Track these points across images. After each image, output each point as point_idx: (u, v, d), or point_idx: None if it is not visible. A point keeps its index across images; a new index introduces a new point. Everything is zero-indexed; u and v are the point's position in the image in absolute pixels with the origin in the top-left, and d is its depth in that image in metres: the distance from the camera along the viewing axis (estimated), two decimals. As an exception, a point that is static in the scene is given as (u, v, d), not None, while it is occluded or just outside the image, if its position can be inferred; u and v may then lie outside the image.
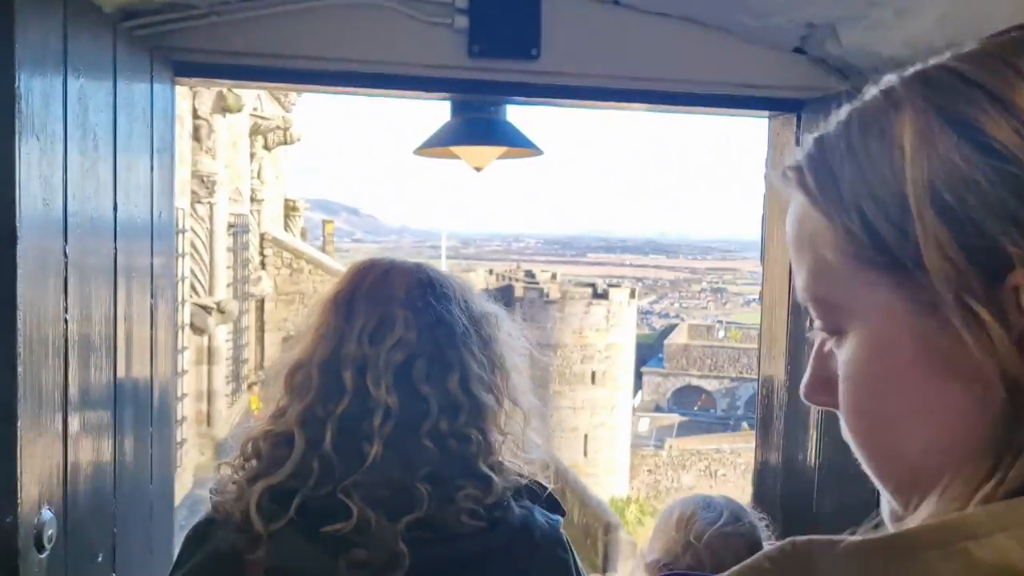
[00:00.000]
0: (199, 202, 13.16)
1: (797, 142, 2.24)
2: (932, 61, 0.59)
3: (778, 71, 2.27)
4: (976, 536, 0.49)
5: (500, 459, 1.38)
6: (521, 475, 1.40)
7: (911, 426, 0.59)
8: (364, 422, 1.31)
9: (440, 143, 2.87)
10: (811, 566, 0.53)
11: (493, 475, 1.32)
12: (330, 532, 1.26)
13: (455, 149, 3.11)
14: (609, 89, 2.29)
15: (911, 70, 0.60)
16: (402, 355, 1.33)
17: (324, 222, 33.31)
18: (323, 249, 29.45)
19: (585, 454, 29.32)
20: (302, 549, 1.27)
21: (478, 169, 3.45)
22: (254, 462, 1.36)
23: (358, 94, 2.33)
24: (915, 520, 0.57)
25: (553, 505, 1.44)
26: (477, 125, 2.76)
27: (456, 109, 2.75)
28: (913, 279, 0.56)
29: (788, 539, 0.55)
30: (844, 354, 0.62)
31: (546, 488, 1.44)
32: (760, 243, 2.60)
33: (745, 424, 43.67)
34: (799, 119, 2.24)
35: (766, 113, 2.41)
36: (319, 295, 1.47)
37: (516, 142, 2.90)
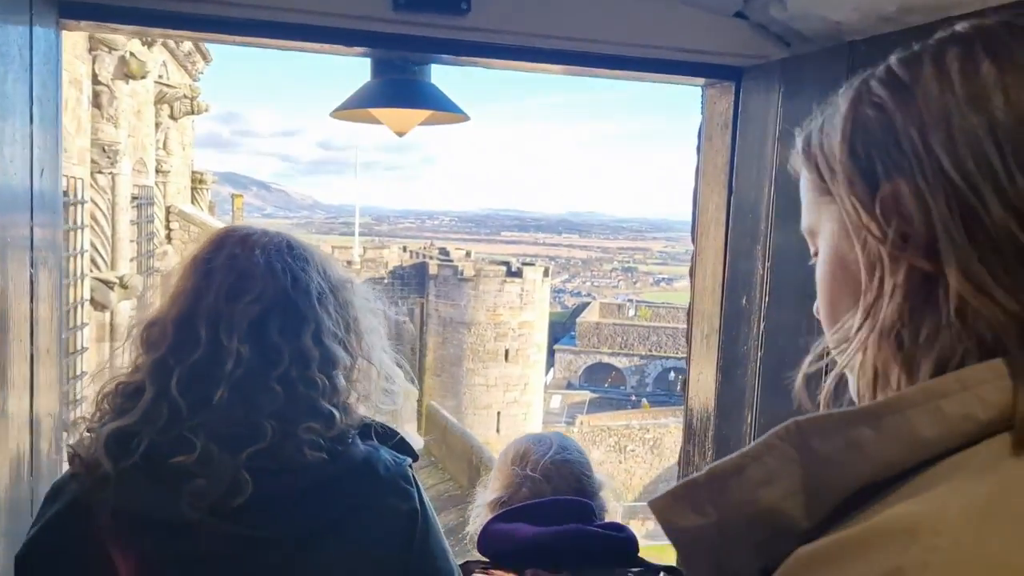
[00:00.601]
0: (100, 172, 12.53)
1: (735, 112, 2.18)
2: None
3: (716, 36, 2.17)
4: (947, 395, 0.65)
5: (347, 402, 1.45)
6: (371, 419, 1.49)
7: (848, 308, 0.78)
8: (215, 369, 1.36)
9: (359, 104, 2.66)
10: (809, 436, 0.68)
11: (336, 411, 1.40)
12: (173, 465, 1.30)
13: (376, 112, 2.89)
14: (541, 50, 2.14)
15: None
16: (257, 309, 1.39)
17: (233, 196, 32.51)
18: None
19: (498, 431, 29.47)
20: (144, 487, 1.32)
21: (400, 134, 3.25)
22: (106, 408, 1.41)
23: (267, 46, 2.13)
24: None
25: (402, 447, 1.52)
26: (400, 86, 2.55)
27: (377, 68, 2.54)
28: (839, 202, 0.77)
29: (792, 419, 0.70)
30: (817, 264, 0.84)
31: (397, 433, 1.52)
32: (692, 218, 2.52)
33: (645, 400, 44.61)
34: (738, 88, 2.14)
35: (702, 80, 2.30)
36: (180, 258, 1.51)
37: (442, 105, 2.70)
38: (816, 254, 0.84)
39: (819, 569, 0.63)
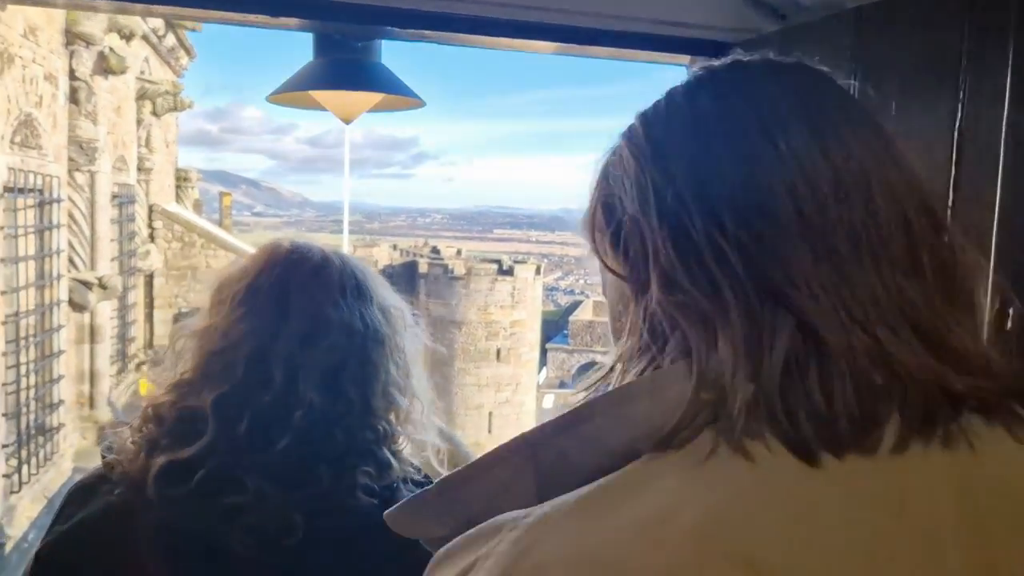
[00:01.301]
0: (78, 170, 12.22)
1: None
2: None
3: (704, 9, 1.92)
4: (633, 399, 0.69)
5: (399, 448, 1.46)
6: (415, 467, 1.48)
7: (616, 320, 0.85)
8: (284, 415, 1.33)
9: (298, 87, 2.37)
10: (536, 448, 0.71)
11: (393, 460, 1.41)
12: (225, 502, 1.29)
13: (318, 96, 2.60)
14: (511, 23, 1.88)
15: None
16: (334, 360, 1.37)
17: (221, 194, 32.22)
18: (220, 223, 28.44)
19: (490, 431, 29.25)
20: (195, 509, 1.29)
21: (346, 121, 2.96)
22: (153, 427, 1.36)
23: (195, 17, 1.89)
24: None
25: None
26: (344, 67, 2.25)
27: (319, 45, 2.26)
28: None
29: (521, 433, 0.73)
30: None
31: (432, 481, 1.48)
32: None
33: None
34: None
35: (687, 57, 2.06)
36: (240, 272, 1.44)
37: (392, 88, 2.40)
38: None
39: (443, 562, 0.69)
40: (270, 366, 1.34)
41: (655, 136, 0.78)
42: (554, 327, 55.31)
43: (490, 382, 29.97)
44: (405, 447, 1.48)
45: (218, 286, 1.45)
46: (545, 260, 63.63)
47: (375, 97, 2.57)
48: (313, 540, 1.31)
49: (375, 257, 32.37)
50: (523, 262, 34.31)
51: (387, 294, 1.52)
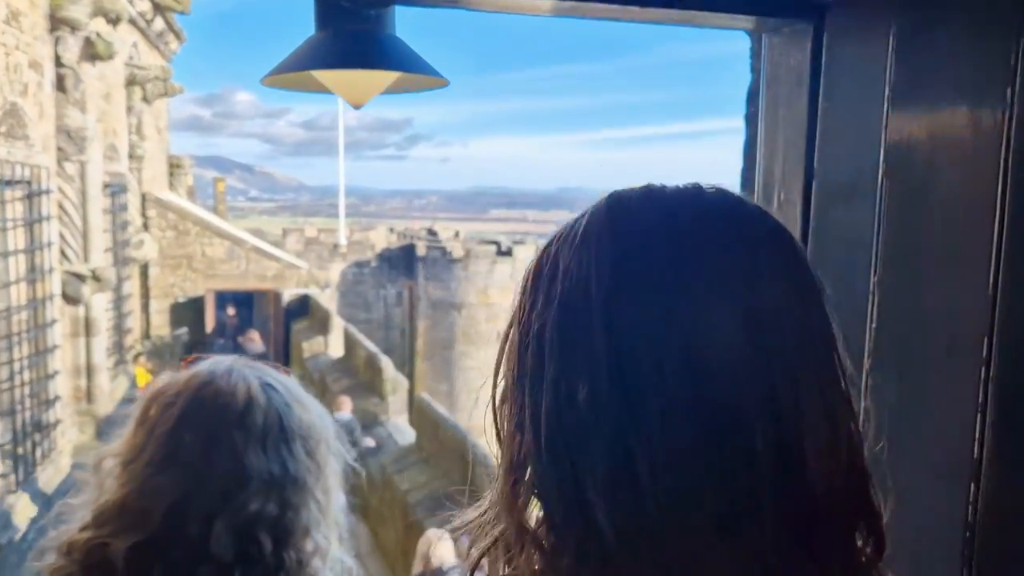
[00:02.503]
0: (68, 160, 11.88)
1: (816, 65, 1.60)
2: None
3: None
4: None
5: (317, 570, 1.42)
6: None
7: None
8: (193, 569, 1.30)
9: (299, 66, 2.00)
10: None
11: None
12: None
13: (322, 76, 2.21)
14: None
15: None
16: (253, 512, 1.33)
17: (215, 180, 31.87)
18: (215, 209, 28.11)
19: (492, 414, 29.07)
20: None
21: (357, 105, 2.57)
22: (66, 563, 1.34)
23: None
24: None
25: None
26: (354, 40, 1.89)
27: (323, 16, 1.88)
28: None
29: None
30: None
31: None
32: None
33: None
34: (819, 31, 1.50)
35: (750, 23, 1.73)
36: (168, 402, 1.39)
37: (412, 66, 2.04)
38: None
39: None
40: (187, 521, 1.31)
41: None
42: (553, 307, 54.91)
43: (491, 365, 29.75)
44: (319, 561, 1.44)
45: (144, 406, 1.41)
46: (542, 240, 63.16)
47: (391, 76, 2.21)
48: None
49: (372, 241, 31.99)
50: (522, 243, 33.97)
51: (310, 418, 1.45)
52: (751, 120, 1.78)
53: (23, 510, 9.49)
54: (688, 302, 0.68)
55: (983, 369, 1.07)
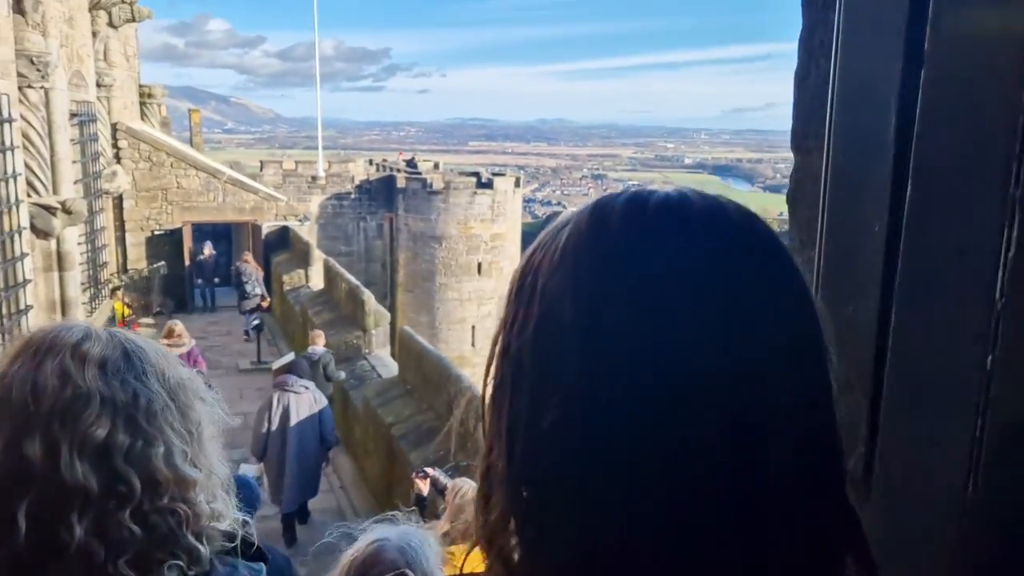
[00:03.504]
0: (30, 87, 11.42)
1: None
2: None
3: None
4: None
5: (205, 525, 1.38)
6: (231, 536, 1.42)
7: None
8: (61, 511, 1.23)
9: None
10: None
11: (200, 545, 1.34)
12: None
13: None
14: None
15: None
16: (100, 434, 1.27)
17: (190, 111, 31.20)
18: (190, 141, 27.56)
19: (473, 344, 29.13)
20: None
21: None
22: None
23: None
24: None
25: (258, 555, 1.49)
26: None
27: None
28: None
29: None
30: None
31: (252, 544, 1.47)
32: (794, 127, 1.38)
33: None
34: None
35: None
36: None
37: None
38: None
39: None
40: (24, 449, 1.23)
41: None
42: (533, 239, 54.98)
43: (472, 296, 29.66)
44: (208, 523, 1.40)
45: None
46: (522, 172, 62.93)
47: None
48: None
49: (351, 172, 31.52)
50: (502, 175, 33.63)
51: (172, 366, 1.42)
52: (817, 50, 1.30)
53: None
54: (667, 329, 0.67)
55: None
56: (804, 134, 1.22)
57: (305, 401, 9.07)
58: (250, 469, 8.72)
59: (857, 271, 1.07)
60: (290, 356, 11.46)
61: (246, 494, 1.74)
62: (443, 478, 6.00)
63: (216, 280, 21.58)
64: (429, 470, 6.28)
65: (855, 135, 1.08)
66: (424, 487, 6.20)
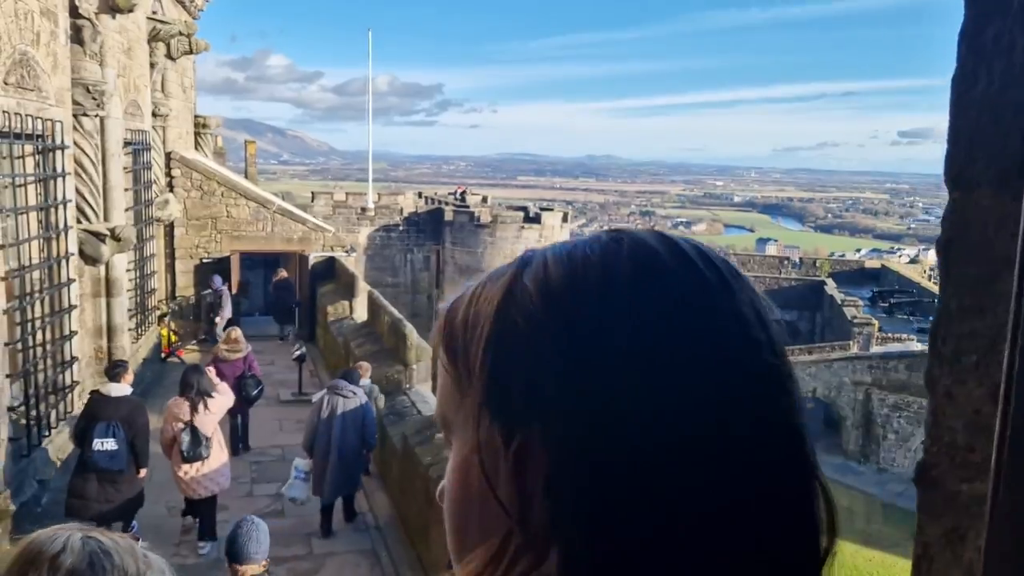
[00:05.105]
0: (85, 115, 11.51)
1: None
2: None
3: None
4: None
5: None
6: None
7: (475, 544, 0.66)
8: None
9: None
10: None
11: None
12: None
13: None
14: None
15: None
16: None
17: (246, 143, 31.59)
18: (245, 172, 27.84)
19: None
20: None
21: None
22: None
23: None
24: None
25: None
26: None
27: None
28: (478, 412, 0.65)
29: None
30: (447, 469, 0.71)
31: None
32: (950, 153, 1.12)
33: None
34: None
35: None
36: None
37: None
38: (448, 443, 0.72)
39: None
40: None
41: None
42: (581, 275, 54.56)
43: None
44: None
45: None
46: (570, 207, 62.82)
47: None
48: None
49: (400, 204, 31.59)
50: (549, 209, 33.46)
51: (135, 565, 1.62)
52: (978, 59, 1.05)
53: (36, 474, 9.24)
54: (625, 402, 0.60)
55: None
56: (967, 161, 0.93)
57: (352, 405, 9.78)
58: (302, 463, 9.95)
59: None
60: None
61: None
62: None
63: (272, 279, 21.23)
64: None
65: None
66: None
